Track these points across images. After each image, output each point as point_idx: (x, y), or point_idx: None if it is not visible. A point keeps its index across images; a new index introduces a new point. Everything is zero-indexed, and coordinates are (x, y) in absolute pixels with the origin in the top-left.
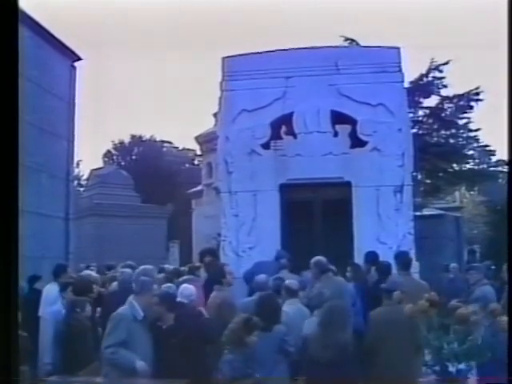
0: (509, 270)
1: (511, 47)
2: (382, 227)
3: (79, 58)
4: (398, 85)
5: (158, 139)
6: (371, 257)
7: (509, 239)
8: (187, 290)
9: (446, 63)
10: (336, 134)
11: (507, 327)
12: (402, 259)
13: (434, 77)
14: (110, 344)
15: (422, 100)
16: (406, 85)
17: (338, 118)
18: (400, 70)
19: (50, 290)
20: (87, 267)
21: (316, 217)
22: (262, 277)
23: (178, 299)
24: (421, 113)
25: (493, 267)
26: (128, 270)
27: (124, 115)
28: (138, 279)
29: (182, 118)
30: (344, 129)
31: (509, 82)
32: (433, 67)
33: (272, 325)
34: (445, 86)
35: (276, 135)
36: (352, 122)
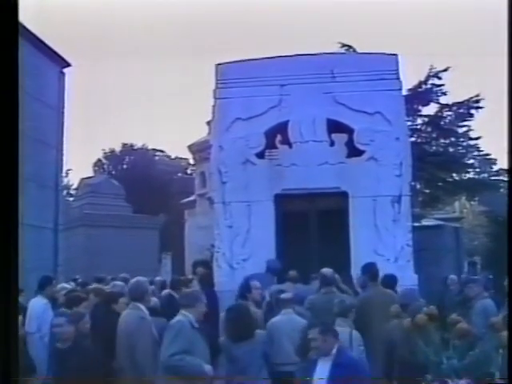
0: (509, 278)
1: (511, 49)
2: (379, 239)
3: (68, 65)
4: (395, 92)
5: (150, 148)
6: (369, 269)
7: (509, 248)
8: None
9: (445, 70)
10: (332, 143)
11: (508, 340)
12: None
13: (432, 84)
14: (174, 352)
15: (420, 108)
16: (404, 92)
17: (334, 126)
18: (398, 78)
19: (36, 304)
20: (73, 280)
21: (312, 228)
22: (256, 284)
23: None
24: (419, 121)
25: (493, 280)
26: (120, 283)
27: (115, 123)
28: (187, 294)
29: (174, 127)
30: (340, 138)
31: (509, 85)
32: (432, 74)
33: (245, 334)
34: (444, 94)
35: (271, 144)
36: (348, 130)
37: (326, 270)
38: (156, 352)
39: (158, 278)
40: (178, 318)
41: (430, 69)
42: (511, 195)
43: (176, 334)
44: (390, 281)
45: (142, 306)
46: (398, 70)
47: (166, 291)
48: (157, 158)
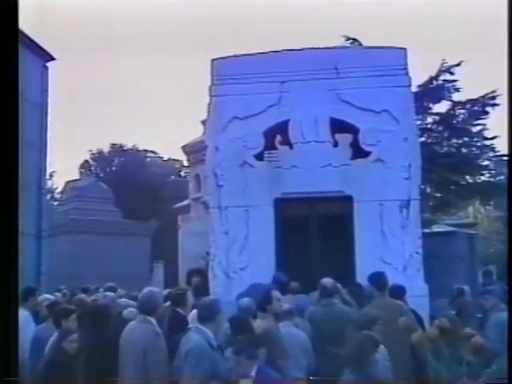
0: (509, 278)
1: (511, 47)
2: (386, 246)
3: (52, 58)
4: (404, 89)
5: (140, 149)
6: (376, 279)
7: (509, 248)
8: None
9: (458, 64)
10: (336, 144)
11: (507, 340)
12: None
13: (444, 80)
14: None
15: (431, 105)
16: (414, 89)
17: (338, 126)
18: (407, 73)
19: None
20: (58, 291)
21: (314, 234)
22: (244, 301)
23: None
24: (430, 120)
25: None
26: (111, 294)
27: (103, 122)
28: (208, 304)
29: (167, 126)
30: (344, 138)
31: (509, 84)
32: (443, 69)
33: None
34: (457, 90)
35: (270, 145)
36: (353, 130)
37: (327, 281)
38: (171, 370)
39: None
40: (194, 336)
41: (442, 63)
42: (511, 195)
43: (197, 360)
44: (398, 291)
45: (153, 320)
46: (406, 64)
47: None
48: (148, 159)
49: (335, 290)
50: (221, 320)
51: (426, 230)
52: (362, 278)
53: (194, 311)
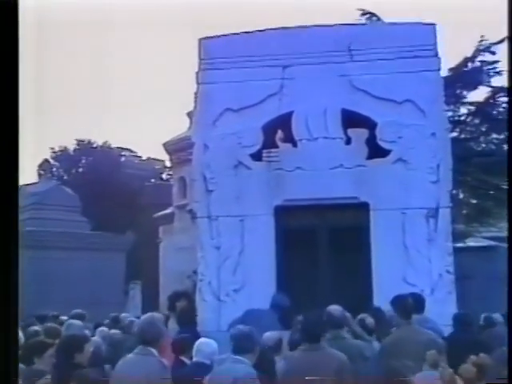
0: (509, 277)
1: (511, 48)
2: (409, 263)
3: None
4: (432, 74)
5: (113, 146)
6: (400, 304)
7: (509, 249)
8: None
9: (501, 42)
10: (348, 141)
11: (507, 340)
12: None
13: (482, 61)
14: None
15: (465, 93)
16: (444, 73)
17: (352, 119)
18: (436, 54)
19: None
20: None
21: (322, 249)
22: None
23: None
24: (463, 110)
25: None
26: (77, 322)
27: (68, 114)
28: (246, 335)
29: (146, 119)
30: (359, 134)
31: (509, 84)
32: (482, 48)
33: None
34: (498, 74)
35: (270, 142)
36: (370, 124)
37: (334, 309)
38: None
39: (124, 315)
40: (238, 366)
41: (480, 41)
42: (511, 198)
43: None
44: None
45: (155, 352)
46: (435, 43)
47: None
48: (123, 159)
49: (344, 320)
50: (257, 352)
51: (459, 245)
52: (380, 302)
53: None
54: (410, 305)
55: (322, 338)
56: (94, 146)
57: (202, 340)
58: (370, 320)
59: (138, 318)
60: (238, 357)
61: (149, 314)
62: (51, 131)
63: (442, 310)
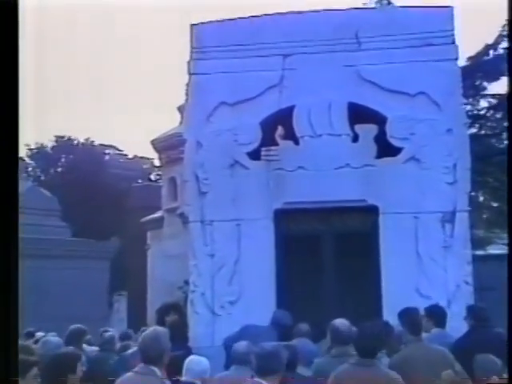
0: (509, 277)
1: (511, 48)
2: (423, 273)
3: None
4: (448, 64)
5: (97, 143)
6: (409, 317)
7: (509, 249)
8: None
9: None
10: (356, 138)
11: (507, 339)
12: (410, 318)
13: (505, 48)
14: None
15: (485, 84)
16: (462, 63)
17: (359, 114)
18: (453, 42)
19: None
20: None
21: (326, 257)
22: (243, 345)
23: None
24: (484, 104)
25: None
26: (54, 340)
27: (45, 108)
28: (271, 354)
29: (132, 113)
30: (367, 130)
31: (509, 84)
32: (504, 33)
33: None
34: None
35: (269, 140)
36: (379, 119)
37: (340, 323)
38: None
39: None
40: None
41: (503, 26)
42: (511, 197)
43: None
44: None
45: (158, 371)
46: (453, 29)
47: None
48: (107, 157)
49: (351, 335)
50: (282, 374)
51: (479, 252)
52: (391, 317)
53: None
54: (419, 319)
55: (377, 353)
56: (75, 143)
57: (192, 358)
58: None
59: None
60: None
61: (152, 329)
62: (26, 126)
63: (459, 325)
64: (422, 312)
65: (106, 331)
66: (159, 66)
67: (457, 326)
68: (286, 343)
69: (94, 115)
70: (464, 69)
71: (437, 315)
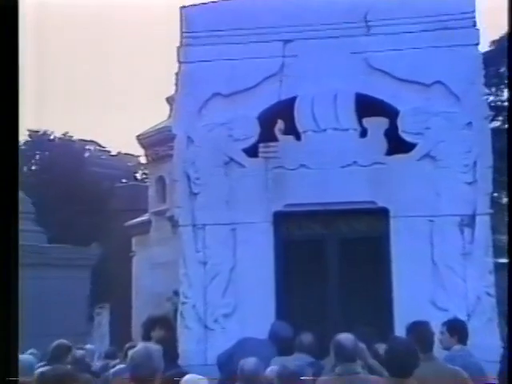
0: (509, 277)
1: (511, 48)
2: (439, 283)
3: None
4: (468, 49)
5: (76, 138)
6: (420, 332)
7: (509, 248)
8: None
9: None
10: (364, 133)
11: (507, 340)
12: (420, 333)
13: None
14: None
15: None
16: (483, 48)
17: (368, 106)
18: (474, 25)
19: None
20: None
21: (331, 265)
22: (251, 362)
23: None
24: (508, 94)
25: None
26: (28, 358)
27: (20, 97)
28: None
29: (115, 106)
30: (377, 124)
31: (509, 84)
32: None
33: None
34: None
35: (268, 135)
36: (390, 112)
37: (345, 338)
38: None
39: (89, 346)
40: None
41: None
42: (511, 196)
43: None
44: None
45: None
46: (474, 11)
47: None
48: (88, 154)
49: (357, 351)
50: None
51: (502, 260)
52: (402, 330)
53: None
54: (430, 334)
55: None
56: (51, 137)
57: (188, 377)
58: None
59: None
60: None
61: (143, 345)
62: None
63: (480, 342)
64: (438, 326)
65: (82, 348)
66: (146, 52)
67: (478, 342)
68: (311, 360)
69: (70, 107)
70: (486, 55)
71: (460, 330)
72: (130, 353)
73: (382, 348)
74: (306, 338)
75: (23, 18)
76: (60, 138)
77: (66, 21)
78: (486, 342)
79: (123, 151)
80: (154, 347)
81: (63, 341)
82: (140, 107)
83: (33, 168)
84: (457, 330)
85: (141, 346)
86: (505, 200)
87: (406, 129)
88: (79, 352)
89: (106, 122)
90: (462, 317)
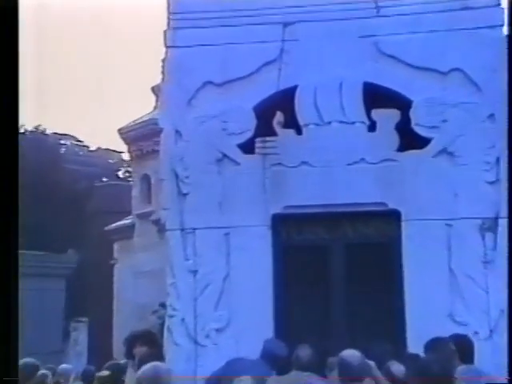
0: (509, 277)
1: (511, 49)
2: (457, 294)
3: None
4: (491, 32)
5: (49, 131)
6: (439, 350)
7: (509, 249)
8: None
9: None
10: (373, 126)
11: (507, 339)
12: (442, 351)
13: None
14: None
15: None
16: (508, 31)
17: (377, 96)
18: (498, 4)
19: None
20: None
21: (336, 274)
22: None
23: None
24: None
25: None
26: None
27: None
28: None
29: (95, 96)
30: (387, 116)
31: (509, 84)
32: None
33: None
34: None
35: (265, 128)
36: (402, 103)
37: (351, 355)
38: None
39: (63, 366)
40: None
41: None
42: (511, 195)
43: None
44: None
45: None
46: None
47: None
48: (63, 149)
49: (365, 369)
50: None
51: None
52: (418, 348)
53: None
54: (452, 352)
55: None
56: (22, 130)
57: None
58: (400, 369)
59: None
60: None
61: (151, 365)
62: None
63: (504, 361)
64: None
65: (50, 368)
66: (131, 38)
67: (501, 361)
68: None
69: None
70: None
71: (463, 347)
72: (138, 374)
73: (394, 366)
74: (304, 352)
75: (23, 18)
76: (32, 132)
77: (66, 21)
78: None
79: (103, 146)
80: (162, 366)
81: (29, 360)
82: (122, 97)
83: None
84: (459, 346)
85: (150, 365)
86: None
87: (420, 122)
88: (40, 372)
89: (84, 114)
90: (484, 332)
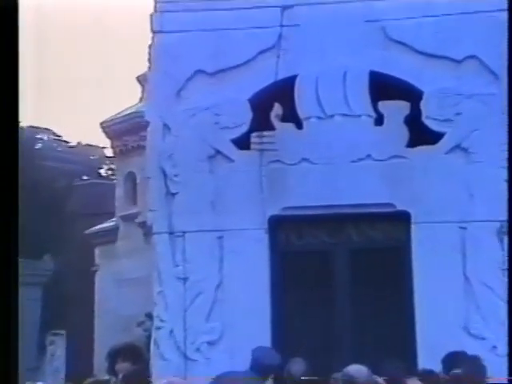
0: (508, 277)
1: (511, 49)
2: (473, 304)
3: None
4: (508, 16)
5: (26, 125)
6: (456, 365)
7: (509, 249)
8: None
9: None
10: (380, 120)
11: (507, 340)
12: (459, 367)
13: None
14: None
15: None
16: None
17: (385, 87)
18: None
19: None
20: None
21: (339, 281)
22: None
23: None
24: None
25: None
26: None
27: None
28: None
29: (76, 85)
30: (395, 109)
31: (509, 84)
32: None
33: None
34: None
35: (262, 122)
36: (412, 94)
37: (357, 370)
38: None
39: None
40: None
41: None
42: (511, 196)
43: None
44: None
45: None
46: None
47: None
48: (40, 144)
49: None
50: None
51: None
52: (429, 363)
53: None
54: (478, 369)
55: None
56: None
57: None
58: None
59: None
60: None
61: (167, 381)
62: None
63: None
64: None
65: None
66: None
67: None
68: None
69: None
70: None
71: (460, 366)
72: None
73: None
74: (296, 366)
75: (23, 18)
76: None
77: (66, 22)
78: None
79: (84, 142)
80: (178, 382)
81: None
82: (123, 97)
83: None
84: (456, 366)
85: (164, 381)
86: None
87: (432, 115)
88: None
89: (84, 114)
90: (501, 346)
